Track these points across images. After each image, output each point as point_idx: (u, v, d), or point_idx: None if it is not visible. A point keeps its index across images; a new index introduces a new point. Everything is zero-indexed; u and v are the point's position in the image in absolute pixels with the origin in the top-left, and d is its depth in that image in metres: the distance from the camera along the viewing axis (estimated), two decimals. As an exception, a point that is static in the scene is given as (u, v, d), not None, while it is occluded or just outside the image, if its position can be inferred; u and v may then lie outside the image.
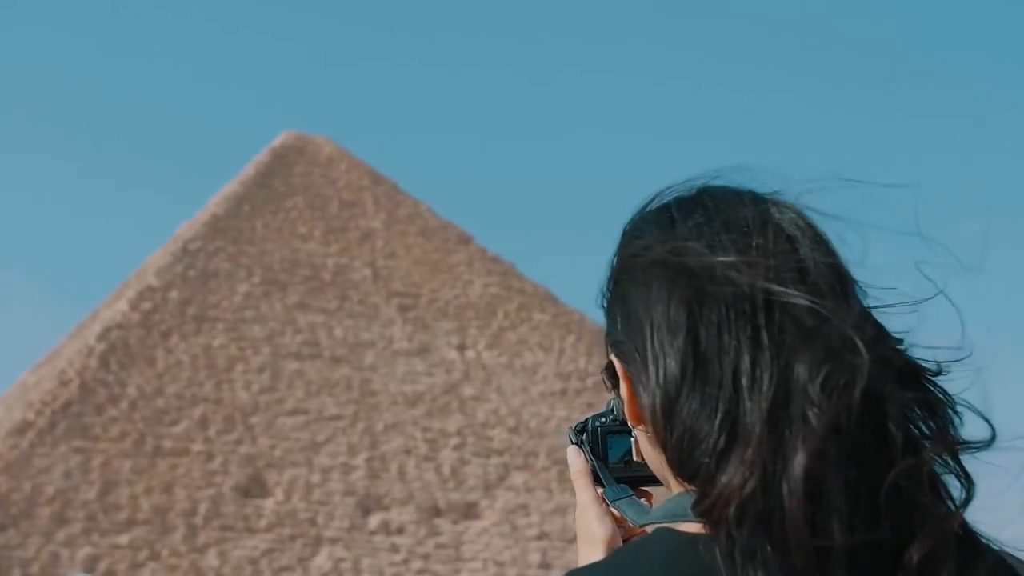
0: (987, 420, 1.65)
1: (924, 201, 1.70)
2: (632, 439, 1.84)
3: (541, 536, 38.36)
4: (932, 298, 1.69)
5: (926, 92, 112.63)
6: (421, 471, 38.89)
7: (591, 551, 1.89)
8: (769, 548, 1.52)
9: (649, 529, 1.74)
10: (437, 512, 38.17)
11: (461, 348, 43.25)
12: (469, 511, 38.53)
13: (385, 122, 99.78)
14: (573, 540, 38.15)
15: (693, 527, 1.62)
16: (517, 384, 42.58)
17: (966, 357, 1.68)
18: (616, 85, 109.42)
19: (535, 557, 37.73)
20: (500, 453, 40.19)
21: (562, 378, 43.36)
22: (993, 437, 1.64)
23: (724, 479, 1.55)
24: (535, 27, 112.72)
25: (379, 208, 47.88)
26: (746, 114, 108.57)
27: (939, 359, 1.68)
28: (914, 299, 1.70)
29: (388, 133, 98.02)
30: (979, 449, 1.64)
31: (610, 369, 1.82)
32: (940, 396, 1.66)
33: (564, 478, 39.66)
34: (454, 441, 40.07)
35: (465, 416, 40.95)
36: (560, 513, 38.88)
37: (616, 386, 1.81)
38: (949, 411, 1.66)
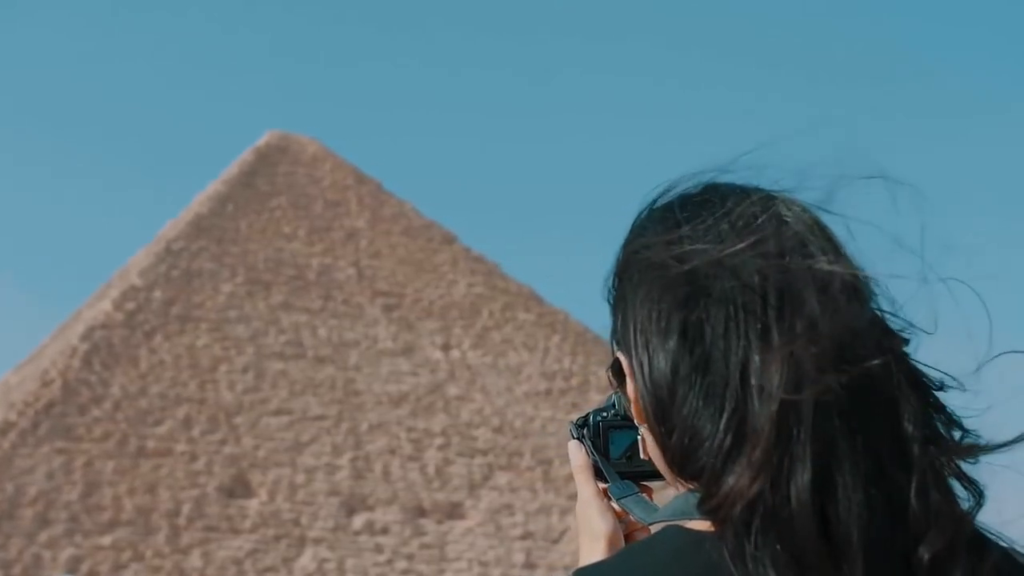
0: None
1: (925, 201, 1.69)
2: (638, 436, 1.83)
3: (525, 536, 38.33)
4: (927, 331, 1.67)
5: (926, 92, 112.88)
6: (405, 471, 38.83)
7: (593, 546, 1.87)
8: (779, 547, 1.51)
9: (657, 527, 1.73)
10: (422, 512, 38.11)
11: (445, 348, 43.19)
12: (453, 511, 38.48)
13: (369, 122, 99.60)
14: (558, 540, 38.17)
15: (702, 525, 1.60)
16: (502, 384, 42.54)
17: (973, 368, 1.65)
18: (615, 85, 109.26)
19: (519, 557, 37.70)
20: (484, 453, 40.16)
21: (547, 378, 43.34)
22: (1008, 443, 1.62)
23: (731, 479, 1.54)
24: (531, 27, 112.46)
25: (363, 208, 47.79)
26: (746, 114, 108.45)
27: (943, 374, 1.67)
28: (922, 319, 1.67)
29: (372, 133, 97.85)
30: (990, 452, 1.63)
31: (616, 366, 1.80)
32: (942, 405, 1.65)
33: (549, 478, 39.68)
34: (438, 441, 40.01)
35: (449, 416, 40.90)
36: (544, 513, 38.87)
37: (621, 383, 1.80)
38: (956, 417, 1.65)
